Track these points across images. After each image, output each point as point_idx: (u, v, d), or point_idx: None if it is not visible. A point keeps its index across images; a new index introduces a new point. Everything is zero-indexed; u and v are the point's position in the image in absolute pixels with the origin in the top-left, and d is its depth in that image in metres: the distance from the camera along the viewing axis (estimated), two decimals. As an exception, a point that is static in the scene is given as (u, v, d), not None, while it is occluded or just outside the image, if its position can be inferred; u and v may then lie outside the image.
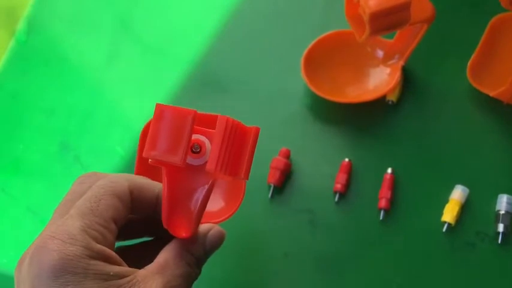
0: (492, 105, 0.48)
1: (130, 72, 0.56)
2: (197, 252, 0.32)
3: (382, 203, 0.45)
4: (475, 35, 0.49)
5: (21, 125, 0.55)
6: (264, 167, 0.48)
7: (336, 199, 0.47)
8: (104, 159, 0.52)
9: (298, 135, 0.50)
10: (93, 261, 0.27)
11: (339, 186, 0.46)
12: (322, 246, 0.45)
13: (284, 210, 0.47)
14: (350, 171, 0.47)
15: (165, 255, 0.31)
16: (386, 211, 0.46)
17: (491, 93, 0.46)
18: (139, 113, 0.54)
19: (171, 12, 0.58)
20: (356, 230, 0.46)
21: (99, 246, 0.27)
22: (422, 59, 0.50)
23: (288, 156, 0.48)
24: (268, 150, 0.48)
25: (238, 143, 0.29)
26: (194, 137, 0.28)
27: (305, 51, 0.50)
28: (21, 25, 0.59)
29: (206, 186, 0.29)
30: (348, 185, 0.47)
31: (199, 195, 0.29)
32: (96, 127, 0.54)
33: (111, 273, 0.27)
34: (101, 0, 0.60)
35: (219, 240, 0.34)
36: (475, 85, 0.48)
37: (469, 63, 0.48)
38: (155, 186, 0.32)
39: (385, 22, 0.40)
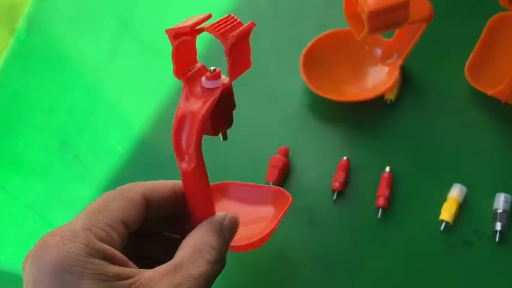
0: (490, 104, 0.48)
1: (130, 71, 0.56)
2: (218, 244, 0.30)
3: (380, 201, 0.45)
4: (473, 34, 0.49)
5: (21, 123, 0.55)
6: (262, 165, 0.48)
7: (334, 197, 0.47)
8: (104, 157, 0.52)
9: (297, 134, 0.50)
10: (91, 259, 0.25)
11: (337, 184, 0.47)
12: (320, 244, 0.45)
13: (282, 208, 0.47)
14: (348, 170, 0.47)
15: (183, 253, 0.29)
16: (385, 209, 0.46)
17: (489, 92, 0.46)
18: (139, 112, 0.54)
19: (171, 11, 0.58)
20: (354, 228, 0.46)
21: (100, 244, 0.26)
22: (420, 58, 0.50)
23: (286, 154, 0.48)
24: (267, 149, 0.49)
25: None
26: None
27: (304, 50, 0.50)
28: (21, 23, 0.59)
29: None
30: (346, 183, 0.47)
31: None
32: (96, 125, 0.54)
33: (110, 274, 0.25)
34: (101, -1, 0.60)
35: (235, 225, 0.33)
36: (473, 84, 0.48)
37: (467, 62, 0.48)
38: (169, 183, 0.32)
39: (383, 21, 0.40)
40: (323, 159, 0.49)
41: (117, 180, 0.51)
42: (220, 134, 0.33)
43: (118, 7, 0.59)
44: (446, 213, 0.44)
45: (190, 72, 0.33)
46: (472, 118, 0.49)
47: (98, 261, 0.25)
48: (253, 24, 0.30)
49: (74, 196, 0.51)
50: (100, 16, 0.59)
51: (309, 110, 0.51)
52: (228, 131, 0.34)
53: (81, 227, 0.26)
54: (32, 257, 0.26)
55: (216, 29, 0.30)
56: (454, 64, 0.49)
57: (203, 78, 0.32)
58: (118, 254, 0.27)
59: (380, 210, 0.46)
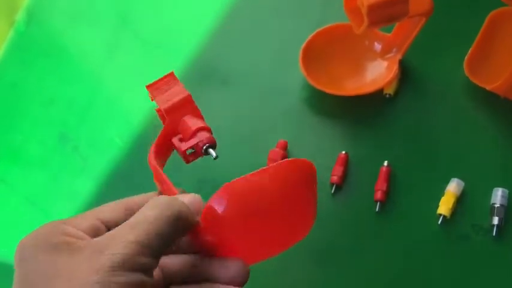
0: (489, 99, 0.48)
1: (129, 65, 0.56)
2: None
3: (378, 195, 0.46)
4: (472, 29, 0.49)
5: (21, 115, 0.55)
6: (261, 158, 0.48)
7: (333, 191, 0.47)
8: (103, 150, 0.52)
9: (296, 128, 0.50)
10: (50, 232, 0.25)
11: (335, 178, 0.47)
12: (318, 237, 0.46)
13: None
14: (346, 164, 0.48)
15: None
16: (382, 203, 0.46)
17: (488, 87, 0.47)
18: (138, 105, 0.54)
19: (170, 6, 0.58)
20: (352, 221, 0.46)
21: (65, 227, 0.26)
22: (420, 52, 0.50)
23: (285, 148, 0.48)
24: (266, 142, 0.49)
25: None
26: None
27: (303, 44, 0.50)
28: (20, 15, 0.59)
29: None
30: (344, 177, 0.47)
31: None
32: (95, 118, 0.54)
33: (55, 241, 0.25)
34: (101, -8, 0.60)
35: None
36: (472, 79, 0.48)
37: (466, 57, 0.48)
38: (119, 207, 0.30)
39: (383, 14, 0.40)
40: (322, 153, 0.49)
41: (116, 172, 0.51)
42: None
43: (117, 1, 0.59)
44: (444, 207, 0.44)
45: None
46: (470, 113, 0.49)
47: (52, 232, 0.25)
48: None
49: (73, 188, 0.51)
50: (100, 9, 0.59)
51: (308, 104, 0.51)
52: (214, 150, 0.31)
53: (54, 221, 0.27)
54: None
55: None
56: (453, 59, 0.49)
57: None
58: (77, 232, 0.26)
59: (378, 203, 0.46)
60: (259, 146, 0.49)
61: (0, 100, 0.56)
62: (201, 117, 0.32)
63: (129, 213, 0.28)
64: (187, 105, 0.32)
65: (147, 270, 0.24)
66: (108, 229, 0.27)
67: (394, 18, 0.42)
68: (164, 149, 0.33)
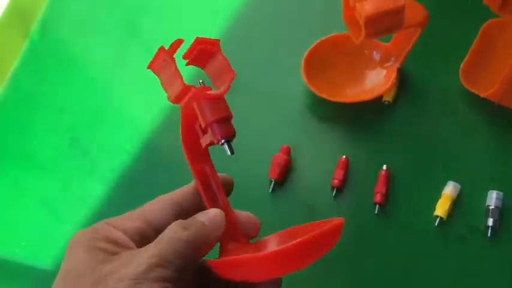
0: (483, 105, 0.50)
1: (137, 73, 0.58)
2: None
3: (378, 197, 0.47)
4: (467, 38, 0.51)
5: (34, 121, 0.57)
6: (265, 163, 0.50)
7: (333, 194, 0.49)
8: (113, 155, 0.54)
9: (298, 133, 0.52)
10: (94, 235, 0.28)
11: (336, 181, 0.49)
12: (320, 238, 0.47)
13: (284, 204, 0.49)
14: (347, 168, 0.49)
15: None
16: (382, 205, 0.48)
17: (482, 94, 0.48)
18: (146, 112, 0.56)
19: (176, 16, 0.61)
20: (352, 223, 0.48)
21: (109, 230, 0.29)
22: (417, 61, 0.52)
23: (288, 153, 0.50)
24: (269, 148, 0.51)
25: None
26: None
27: (305, 53, 0.52)
28: (34, 27, 0.61)
29: None
30: (345, 180, 0.49)
31: None
32: (105, 125, 0.56)
33: (100, 246, 0.28)
34: (110, 4, 0.62)
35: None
36: (467, 86, 0.50)
37: (461, 66, 0.50)
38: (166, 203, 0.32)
39: (380, 25, 0.42)
40: (323, 157, 0.51)
41: (125, 176, 0.53)
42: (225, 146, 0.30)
43: (126, 12, 0.61)
44: (441, 209, 0.46)
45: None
46: (466, 119, 0.51)
47: (96, 236, 0.29)
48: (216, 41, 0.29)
49: (84, 192, 0.53)
50: (109, 20, 0.61)
51: (310, 110, 0.53)
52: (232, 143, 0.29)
53: (104, 221, 0.30)
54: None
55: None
56: (450, 67, 0.51)
57: None
58: (121, 236, 0.29)
59: (377, 206, 0.48)
60: (263, 151, 0.51)
61: (15, 107, 0.58)
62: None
63: (177, 210, 0.31)
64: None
65: (168, 281, 0.27)
66: (156, 231, 0.30)
67: (390, 29, 0.44)
68: (194, 138, 0.30)
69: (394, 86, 0.51)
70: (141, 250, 0.28)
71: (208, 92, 0.29)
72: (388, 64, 0.53)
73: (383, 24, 0.43)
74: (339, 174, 0.49)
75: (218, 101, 0.29)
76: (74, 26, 0.62)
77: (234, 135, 0.29)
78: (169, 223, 0.29)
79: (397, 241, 0.47)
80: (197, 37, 0.30)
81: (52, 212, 0.52)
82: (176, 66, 0.29)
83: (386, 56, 0.53)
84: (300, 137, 0.52)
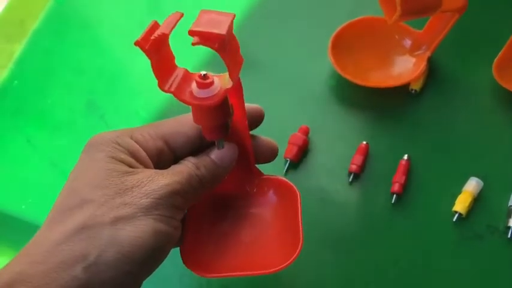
0: (515, 102, 0.48)
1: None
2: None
3: (395, 187, 0.46)
4: (504, 31, 0.49)
5: (52, 81, 0.56)
6: (282, 142, 0.48)
7: (350, 179, 0.47)
8: (128, 120, 0.53)
9: (319, 115, 0.51)
10: (115, 145, 0.29)
11: (354, 167, 0.47)
12: (331, 223, 0.46)
13: (297, 185, 0.48)
14: (366, 154, 0.48)
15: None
16: (399, 196, 0.46)
17: (516, 91, 0.47)
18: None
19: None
20: (367, 211, 0.46)
21: (130, 141, 0.30)
22: (449, 51, 0.51)
23: (307, 133, 0.49)
24: (288, 127, 0.49)
25: None
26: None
27: (334, 33, 0.51)
28: (61, -15, 0.61)
29: None
30: (363, 167, 0.47)
31: None
32: (122, 90, 0.55)
33: (122, 157, 0.29)
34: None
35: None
36: (499, 81, 0.48)
37: (495, 59, 0.48)
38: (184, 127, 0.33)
39: (416, 5, 0.41)
40: (343, 141, 0.49)
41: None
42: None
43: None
44: (460, 205, 0.44)
45: (174, 82, 0.28)
46: (495, 115, 0.49)
47: (119, 147, 0.29)
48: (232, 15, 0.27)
49: (96, 155, 0.52)
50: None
51: (334, 92, 0.51)
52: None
53: (126, 129, 0.31)
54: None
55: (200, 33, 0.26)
56: (483, 60, 0.49)
57: (194, 87, 0.28)
58: (143, 153, 0.30)
59: (394, 196, 0.46)
60: (281, 129, 0.49)
61: (34, 65, 0.57)
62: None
63: (197, 134, 0.32)
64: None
65: (180, 209, 0.29)
66: (173, 154, 0.31)
67: (427, 10, 0.42)
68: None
69: (422, 75, 0.50)
70: (164, 173, 0.29)
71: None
72: (418, 52, 0.51)
73: (419, 4, 0.41)
74: (358, 159, 0.47)
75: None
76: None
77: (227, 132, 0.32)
78: (187, 148, 0.31)
79: (412, 233, 0.45)
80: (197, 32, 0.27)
81: (61, 172, 0.52)
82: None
83: (418, 43, 0.51)
84: (321, 118, 0.50)
